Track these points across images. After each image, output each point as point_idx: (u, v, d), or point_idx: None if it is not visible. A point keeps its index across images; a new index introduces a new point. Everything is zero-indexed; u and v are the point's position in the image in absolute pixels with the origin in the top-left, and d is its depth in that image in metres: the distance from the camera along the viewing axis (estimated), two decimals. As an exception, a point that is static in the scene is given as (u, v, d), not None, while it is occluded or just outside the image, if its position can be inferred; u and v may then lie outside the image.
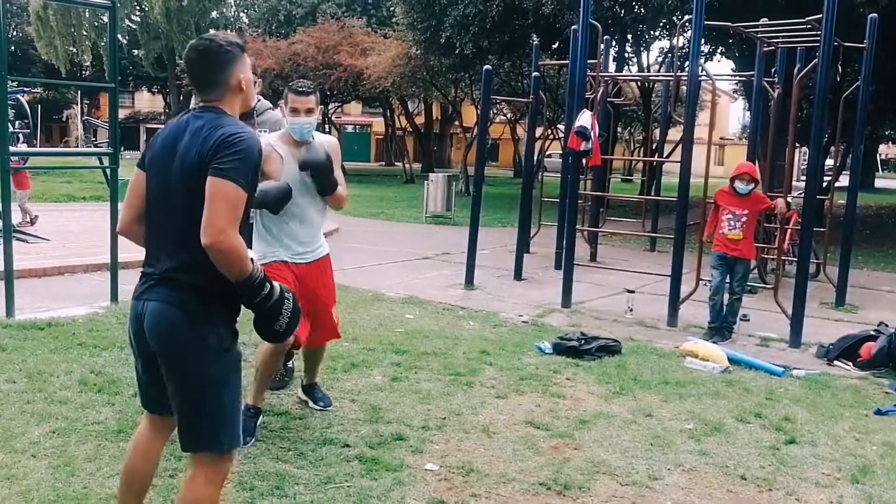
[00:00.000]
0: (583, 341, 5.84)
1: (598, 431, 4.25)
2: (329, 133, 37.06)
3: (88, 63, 38.31)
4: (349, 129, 48.54)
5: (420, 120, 37.55)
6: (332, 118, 37.43)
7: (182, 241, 2.39)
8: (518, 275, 9.28)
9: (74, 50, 36.40)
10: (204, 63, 2.49)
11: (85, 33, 36.13)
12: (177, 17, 34.98)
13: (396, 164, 40.81)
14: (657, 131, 14.23)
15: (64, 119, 43.15)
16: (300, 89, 3.89)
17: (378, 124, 44.20)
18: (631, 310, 7.29)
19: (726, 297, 6.63)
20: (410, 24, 21.18)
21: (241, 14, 41.80)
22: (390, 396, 4.66)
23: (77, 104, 34.74)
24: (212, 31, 2.65)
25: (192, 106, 2.81)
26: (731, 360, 5.74)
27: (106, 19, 7.26)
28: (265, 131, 4.40)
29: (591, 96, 10.01)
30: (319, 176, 3.83)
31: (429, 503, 3.33)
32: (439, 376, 5.08)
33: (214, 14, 39.95)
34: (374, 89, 26.97)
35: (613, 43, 20.81)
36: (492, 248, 11.52)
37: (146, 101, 51.74)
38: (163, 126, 2.83)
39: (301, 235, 4.03)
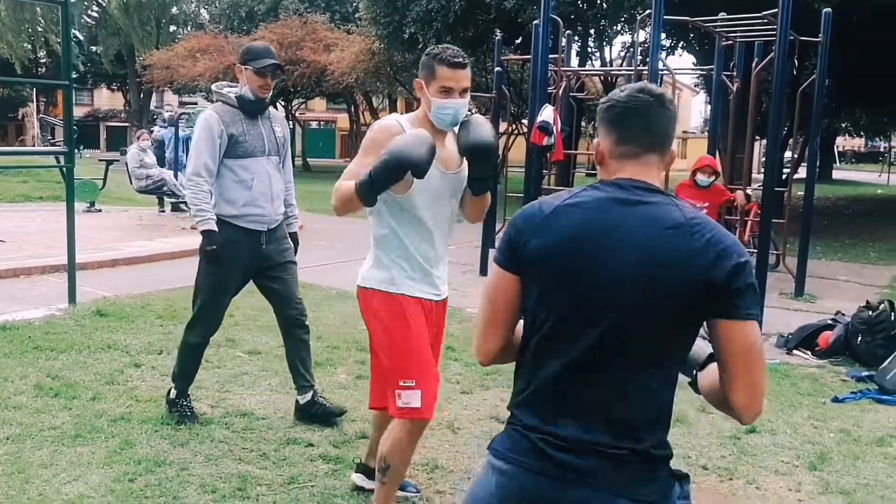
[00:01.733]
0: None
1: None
2: (293, 130, 36.81)
3: (45, 60, 37.58)
4: (313, 125, 48.20)
5: (385, 115, 37.44)
6: (296, 114, 37.15)
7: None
8: (483, 270, 9.29)
9: (30, 46, 35.66)
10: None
11: (40, 29, 35.40)
12: (136, 13, 34.44)
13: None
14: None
15: (20, 117, 42.25)
16: (455, 60, 2.71)
17: (343, 120, 43.95)
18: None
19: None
20: (373, 19, 21.09)
21: (202, 10, 41.27)
22: (354, 395, 4.64)
23: (33, 102, 34.06)
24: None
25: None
26: (693, 352, 5.80)
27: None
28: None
29: (554, 91, 10.05)
30: (484, 163, 2.74)
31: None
32: (404, 373, 5.05)
33: (175, 10, 39.42)
34: (338, 85, 26.83)
35: (576, 38, 21.00)
36: (457, 244, 11.52)
37: (105, 99, 50.83)
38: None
39: (434, 258, 2.92)
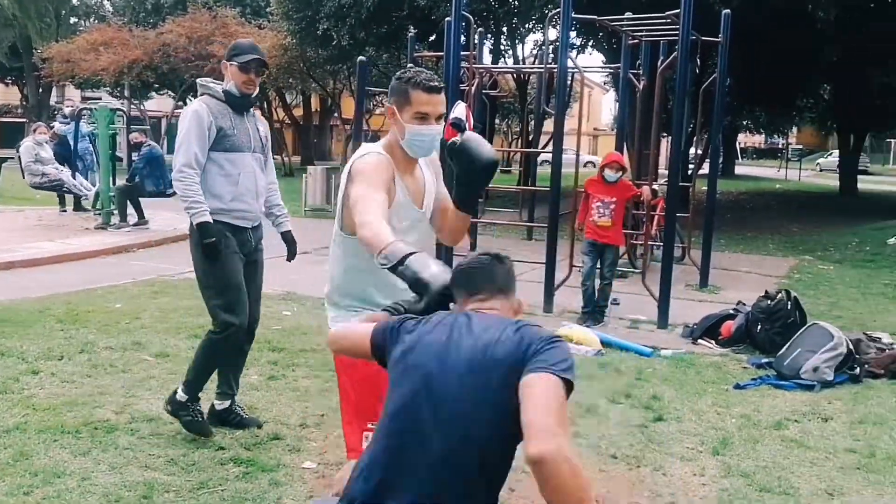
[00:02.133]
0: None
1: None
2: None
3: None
4: (225, 122, 47.13)
5: (299, 112, 36.90)
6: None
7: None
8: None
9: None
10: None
11: (-72, 20, 33.42)
12: (32, 3, 32.86)
13: (275, 157, 39.97)
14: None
15: None
16: (431, 84, 2.54)
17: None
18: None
19: (598, 282, 6.86)
20: (285, 14, 20.76)
21: (105, 1, 39.73)
22: (267, 395, 4.56)
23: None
24: None
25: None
26: (604, 343, 5.95)
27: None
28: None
29: (467, 88, 10.11)
30: (481, 180, 2.58)
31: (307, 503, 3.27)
32: (318, 373, 5.00)
33: (75, 1, 37.83)
34: (250, 81, 26.28)
35: (489, 35, 21.20)
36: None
37: (0, 94, 48.37)
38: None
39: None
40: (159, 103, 36.38)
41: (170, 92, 32.24)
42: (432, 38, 19.86)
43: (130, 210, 11.40)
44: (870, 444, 4.11)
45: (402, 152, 2.60)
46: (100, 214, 11.68)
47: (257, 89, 3.95)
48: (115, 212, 11.48)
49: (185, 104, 34.05)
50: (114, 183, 11.83)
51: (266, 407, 4.32)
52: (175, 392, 3.94)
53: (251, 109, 4.01)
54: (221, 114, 3.83)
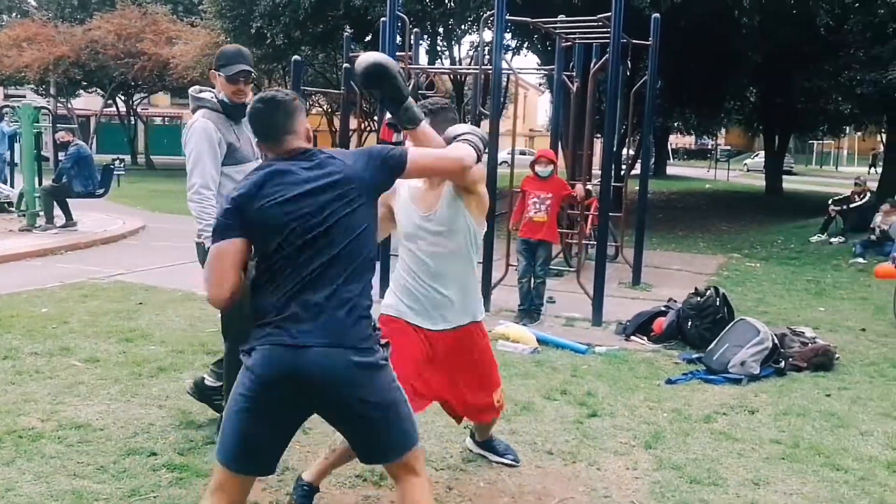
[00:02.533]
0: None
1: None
2: (135, 126, 34.99)
3: None
4: (157, 121, 46.00)
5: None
6: (138, 110, 35.34)
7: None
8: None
9: None
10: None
11: None
12: (-50, -2, 31.56)
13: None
14: (469, 123, 14.62)
15: None
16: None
17: (189, 116, 42.18)
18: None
19: (533, 280, 6.95)
20: (218, 12, 20.38)
21: (29, -4, 38.37)
22: (201, 399, 4.47)
23: None
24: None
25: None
26: (540, 341, 6.03)
27: None
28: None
29: (404, 88, 10.10)
30: (381, 82, 2.68)
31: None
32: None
33: (-5, -6, 36.42)
34: (183, 79, 25.75)
35: (425, 36, 21.20)
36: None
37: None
38: None
39: (439, 293, 3.17)
40: (88, 101, 35.33)
41: (98, 90, 31.35)
42: (368, 38, 19.79)
43: (58, 211, 11.05)
44: (794, 435, 4.27)
45: None
46: (24, 216, 11.30)
47: (249, 96, 3.89)
48: (41, 213, 11.12)
49: (115, 102, 33.04)
50: (40, 183, 11.47)
51: (200, 410, 4.25)
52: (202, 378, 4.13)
53: (244, 116, 3.96)
54: (225, 127, 3.84)
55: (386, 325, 2.99)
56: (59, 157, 11.50)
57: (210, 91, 3.94)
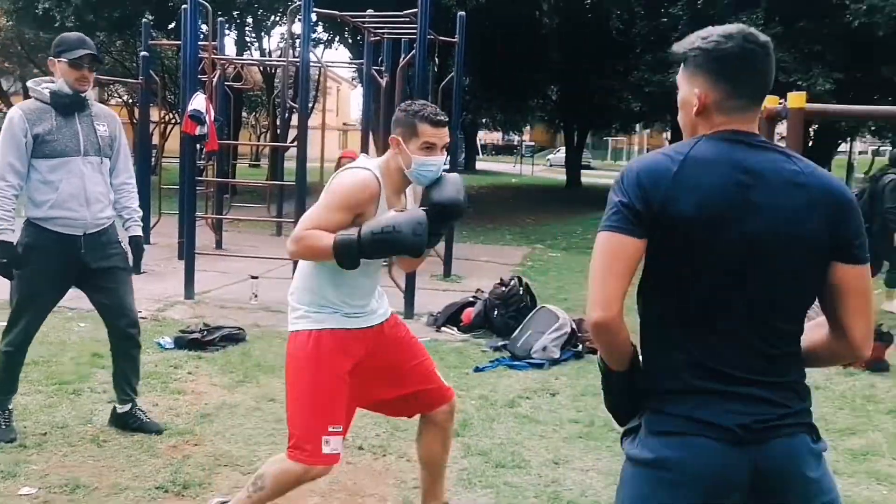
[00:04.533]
0: (205, 332, 5.68)
1: (220, 423, 4.16)
2: None
3: None
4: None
5: (19, 100, 33.23)
6: None
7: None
8: (137, 268, 8.70)
9: None
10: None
11: None
12: None
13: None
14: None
15: None
16: (438, 118, 2.66)
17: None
18: (255, 296, 7.26)
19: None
20: (-3, -11, 18.58)
21: None
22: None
23: None
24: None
25: None
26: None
27: None
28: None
29: (208, 79, 9.71)
30: (451, 222, 2.82)
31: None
32: (40, 388, 4.56)
33: None
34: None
35: (233, 26, 20.47)
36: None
37: None
38: None
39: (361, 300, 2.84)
40: None
41: None
42: (172, 25, 18.85)
43: None
44: (590, 414, 4.54)
45: (398, 176, 2.68)
46: None
47: (91, 85, 3.69)
48: None
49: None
50: None
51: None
52: None
53: (86, 109, 3.72)
54: (41, 118, 3.60)
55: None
56: None
57: (50, 83, 3.70)
